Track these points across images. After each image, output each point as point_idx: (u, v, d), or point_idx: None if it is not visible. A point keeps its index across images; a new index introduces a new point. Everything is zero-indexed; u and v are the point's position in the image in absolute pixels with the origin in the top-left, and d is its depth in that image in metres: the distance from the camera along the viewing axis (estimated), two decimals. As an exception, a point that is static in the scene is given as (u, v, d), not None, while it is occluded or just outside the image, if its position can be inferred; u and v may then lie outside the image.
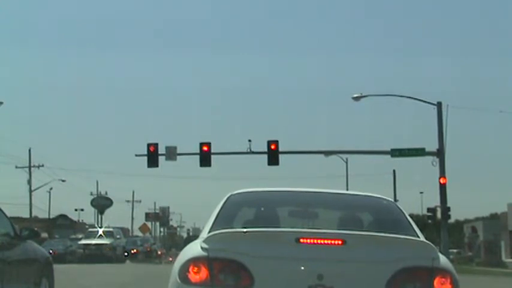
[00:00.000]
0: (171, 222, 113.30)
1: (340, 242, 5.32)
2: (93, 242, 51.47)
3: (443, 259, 5.55)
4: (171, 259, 42.06)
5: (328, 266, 5.27)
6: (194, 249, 5.52)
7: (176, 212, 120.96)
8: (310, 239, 5.33)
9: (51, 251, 37.16)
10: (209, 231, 5.84)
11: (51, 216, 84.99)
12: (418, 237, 6.02)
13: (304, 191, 7.05)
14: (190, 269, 5.37)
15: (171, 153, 39.29)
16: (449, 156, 38.39)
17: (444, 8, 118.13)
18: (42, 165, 67.25)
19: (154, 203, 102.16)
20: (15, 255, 10.84)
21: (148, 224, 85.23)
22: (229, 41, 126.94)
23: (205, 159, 38.08)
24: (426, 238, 6.05)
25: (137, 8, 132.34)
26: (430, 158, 38.11)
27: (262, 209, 6.87)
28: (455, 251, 67.28)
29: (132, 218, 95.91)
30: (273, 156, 37.82)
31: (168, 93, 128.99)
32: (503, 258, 62.16)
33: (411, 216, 6.94)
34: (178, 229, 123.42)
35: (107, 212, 76.67)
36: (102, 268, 35.37)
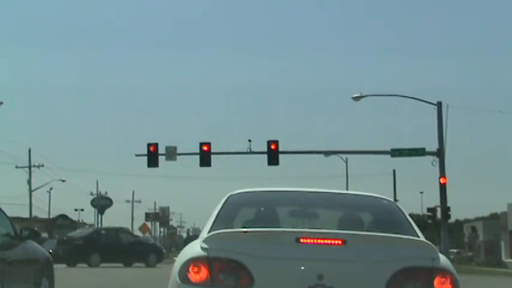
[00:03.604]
0: (171, 222, 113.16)
1: (340, 242, 5.32)
2: (93, 242, 51.35)
3: (443, 259, 5.55)
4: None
5: (328, 266, 5.27)
6: (194, 249, 5.52)
7: (176, 212, 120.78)
8: (310, 239, 5.33)
9: (51, 251, 37.08)
10: (209, 231, 5.84)
11: (51, 216, 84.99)
12: (418, 237, 6.01)
13: (304, 191, 7.04)
14: (190, 269, 5.37)
15: (171, 153, 39.29)
16: (449, 156, 38.41)
17: (444, 8, 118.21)
18: (42, 165, 67.26)
19: (154, 203, 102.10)
20: (15, 255, 10.84)
21: (148, 224, 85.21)
22: (229, 41, 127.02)
23: (205, 159, 38.07)
24: (426, 238, 6.05)
25: (137, 8, 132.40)
26: (430, 158, 38.10)
27: (262, 209, 6.85)
28: (455, 251, 67.28)
29: (132, 218, 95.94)
30: (273, 156, 37.80)
31: (168, 93, 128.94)
32: (503, 258, 62.20)
33: (411, 216, 6.93)
34: (178, 229, 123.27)
35: (107, 212, 76.61)
36: (102, 268, 35.36)
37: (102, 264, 38.00)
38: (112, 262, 38.28)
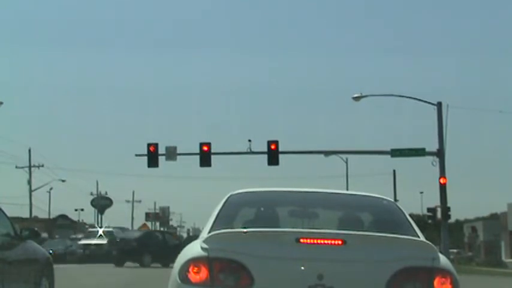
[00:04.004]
0: (171, 222, 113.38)
1: (340, 242, 5.32)
2: (93, 242, 51.49)
3: (443, 259, 5.56)
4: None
5: (328, 266, 5.27)
6: (194, 249, 5.53)
7: (176, 212, 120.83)
8: (310, 239, 5.33)
9: (51, 251, 37.16)
10: (209, 231, 5.84)
11: (51, 216, 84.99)
12: (418, 237, 6.02)
13: (304, 191, 7.04)
14: (190, 269, 5.37)
15: (171, 153, 39.32)
16: (449, 156, 38.44)
17: (444, 8, 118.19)
18: (42, 165, 67.32)
19: (154, 203, 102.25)
20: (15, 255, 10.84)
21: (148, 224, 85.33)
22: (229, 41, 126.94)
23: (205, 159, 38.11)
24: (426, 238, 6.05)
25: (137, 8, 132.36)
26: (430, 158, 38.15)
27: (262, 209, 6.86)
28: (455, 251, 67.29)
29: (132, 218, 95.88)
30: (273, 156, 37.83)
31: (168, 93, 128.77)
32: (503, 258, 62.18)
33: (411, 216, 6.94)
34: (178, 229, 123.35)
35: (107, 212, 76.76)
36: (102, 268, 35.40)
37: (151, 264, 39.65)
38: (159, 262, 39.80)
